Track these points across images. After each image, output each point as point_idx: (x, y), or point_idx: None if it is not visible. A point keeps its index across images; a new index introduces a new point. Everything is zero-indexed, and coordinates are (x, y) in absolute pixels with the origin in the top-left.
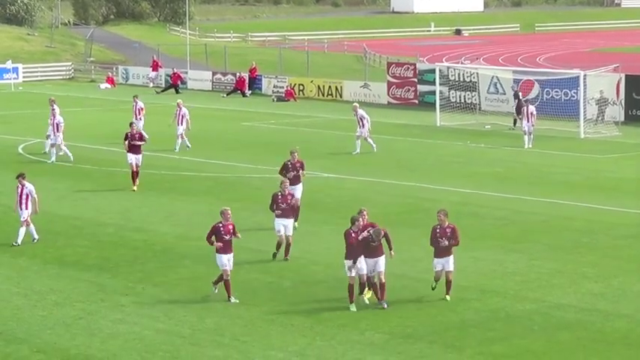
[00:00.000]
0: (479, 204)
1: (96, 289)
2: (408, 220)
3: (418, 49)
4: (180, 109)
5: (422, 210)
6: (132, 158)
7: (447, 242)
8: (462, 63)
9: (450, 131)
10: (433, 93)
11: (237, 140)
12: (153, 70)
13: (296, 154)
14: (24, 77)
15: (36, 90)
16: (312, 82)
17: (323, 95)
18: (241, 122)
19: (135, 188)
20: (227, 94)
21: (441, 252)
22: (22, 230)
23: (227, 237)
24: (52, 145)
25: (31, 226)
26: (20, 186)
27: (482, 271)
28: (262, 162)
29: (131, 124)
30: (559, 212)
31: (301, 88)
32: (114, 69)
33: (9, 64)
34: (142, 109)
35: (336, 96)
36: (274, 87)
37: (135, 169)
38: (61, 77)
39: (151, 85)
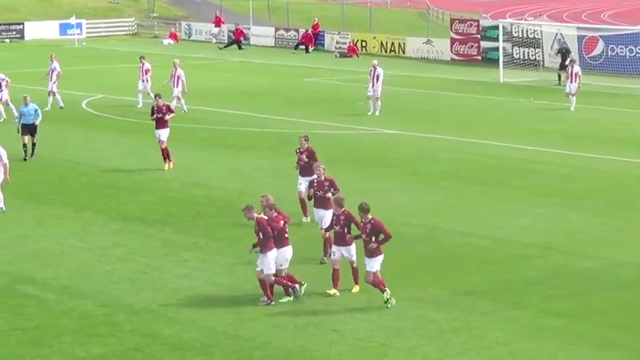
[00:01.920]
0: (542, 161)
1: (160, 244)
2: (473, 176)
3: (481, 5)
4: (176, 69)
5: (486, 167)
6: (157, 134)
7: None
8: (525, 19)
9: (513, 88)
10: (496, 49)
11: (300, 96)
12: (216, 26)
13: (304, 140)
14: (87, 33)
15: (99, 46)
16: (374, 38)
17: (386, 51)
18: (304, 78)
19: (166, 168)
20: (295, 48)
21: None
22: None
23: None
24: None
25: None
26: None
27: (545, 228)
28: (324, 118)
29: (156, 96)
30: (623, 169)
31: (364, 44)
32: (177, 25)
33: (73, 20)
34: (148, 70)
35: (398, 52)
36: (337, 43)
37: (162, 147)
38: (124, 33)
39: (214, 41)
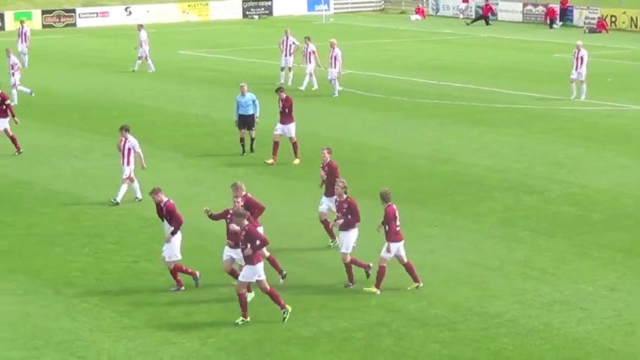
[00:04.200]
0: None
1: (405, 220)
2: None
3: None
4: (333, 49)
5: None
6: (280, 128)
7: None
8: None
9: None
10: None
11: (550, 72)
12: (463, 2)
13: (326, 152)
14: (335, 9)
15: (346, 22)
16: (624, 13)
17: (636, 27)
18: (553, 54)
19: (271, 162)
20: (552, 26)
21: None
22: (124, 187)
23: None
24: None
25: (135, 183)
26: (123, 139)
27: None
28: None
29: (278, 89)
30: None
31: (613, 19)
32: (424, 0)
33: None
34: (313, 52)
35: None
36: (585, 18)
37: (276, 140)
38: (371, 9)
39: (461, 16)
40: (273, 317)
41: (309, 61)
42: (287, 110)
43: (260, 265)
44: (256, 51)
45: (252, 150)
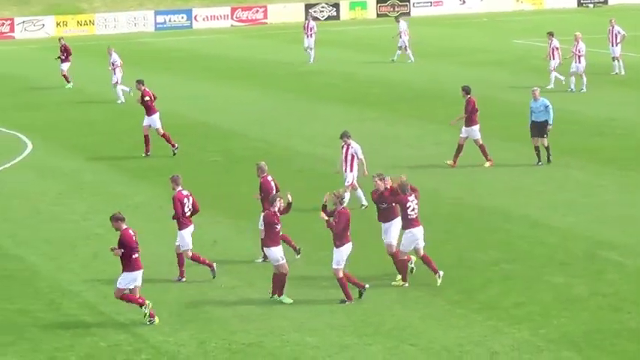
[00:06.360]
0: None
1: None
2: None
3: None
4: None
5: None
6: (462, 131)
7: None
8: None
9: None
10: None
11: None
12: None
13: (378, 179)
14: None
15: None
16: None
17: None
18: None
19: (450, 163)
20: None
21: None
22: (347, 195)
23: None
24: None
25: (359, 190)
26: (345, 145)
27: None
28: None
29: (464, 88)
30: None
31: None
32: None
33: None
34: (557, 48)
35: None
36: None
37: (461, 143)
38: None
39: None
40: (604, 308)
41: (553, 57)
42: (467, 113)
43: (138, 273)
44: (589, 40)
45: (548, 160)
